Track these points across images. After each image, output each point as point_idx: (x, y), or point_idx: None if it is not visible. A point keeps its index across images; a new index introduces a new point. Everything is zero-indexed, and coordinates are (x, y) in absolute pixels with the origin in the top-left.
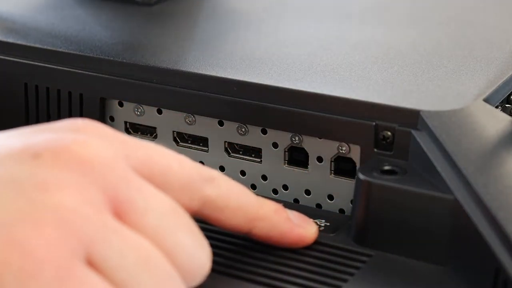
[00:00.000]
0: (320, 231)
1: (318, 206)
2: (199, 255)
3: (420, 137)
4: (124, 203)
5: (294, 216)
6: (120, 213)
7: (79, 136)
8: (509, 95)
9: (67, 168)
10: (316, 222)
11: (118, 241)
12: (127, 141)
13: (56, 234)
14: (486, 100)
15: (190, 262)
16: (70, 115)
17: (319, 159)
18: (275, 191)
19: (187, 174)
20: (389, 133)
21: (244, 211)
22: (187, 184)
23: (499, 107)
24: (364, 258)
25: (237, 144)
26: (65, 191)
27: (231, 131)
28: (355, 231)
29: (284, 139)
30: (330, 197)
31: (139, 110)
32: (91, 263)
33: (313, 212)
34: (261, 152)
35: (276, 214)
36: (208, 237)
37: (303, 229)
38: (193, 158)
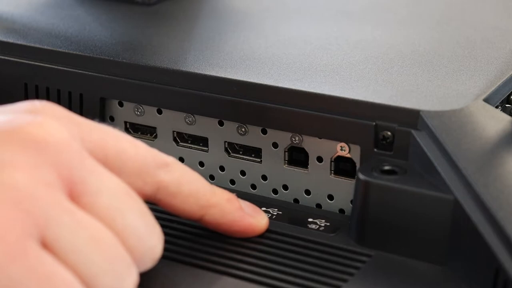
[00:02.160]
0: (320, 231)
1: (318, 206)
2: (150, 237)
3: (420, 137)
4: (78, 184)
5: (246, 206)
6: (73, 194)
7: (35, 118)
8: (509, 95)
9: (23, 148)
10: (268, 212)
11: (70, 222)
12: (83, 123)
13: (11, 214)
14: (486, 100)
15: (141, 244)
16: None
17: (319, 159)
18: (275, 191)
19: (141, 159)
20: (389, 133)
21: (196, 197)
22: (141, 169)
23: (499, 107)
24: (364, 258)
25: (237, 144)
26: (21, 171)
27: (231, 131)
28: (355, 231)
29: (284, 139)
30: (330, 197)
31: (139, 110)
32: (45, 244)
33: (313, 212)
34: (261, 152)
35: (228, 202)
36: (210, 237)
37: (254, 218)
38: (193, 158)
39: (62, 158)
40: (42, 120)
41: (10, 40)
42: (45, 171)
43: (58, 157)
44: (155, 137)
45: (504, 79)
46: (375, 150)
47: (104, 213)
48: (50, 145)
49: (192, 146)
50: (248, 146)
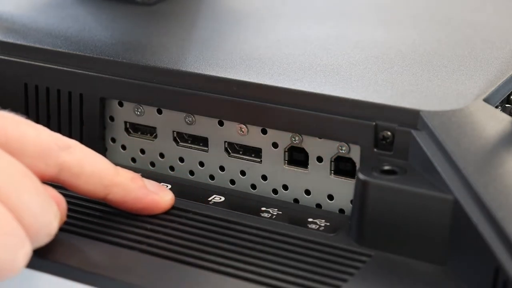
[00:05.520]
0: (320, 231)
1: (318, 206)
2: (45, 214)
3: (420, 137)
4: None
5: (150, 184)
6: None
7: None
8: (509, 95)
9: None
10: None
11: None
12: None
13: None
14: (486, 100)
15: (36, 221)
16: (70, 115)
17: (319, 159)
18: (275, 191)
19: (43, 142)
20: (389, 133)
21: (99, 177)
22: (42, 151)
23: (499, 107)
24: (364, 258)
25: (237, 144)
26: None
27: (231, 131)
28: (355, 231)
29: (284, 139)
30: (330, 197)
31: (139, 110)
32: None
33: (313, 212)
34: (261, 152)
35: (132, 181)
36: (207, 236)
37: (157, 195)
38: (193, 158)
39: None
40: None
41: (10, 40)
42: None
43: None
44: (155, 137)
45: (504, 79)
46: (375, 150)
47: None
48: None
49: (192, 146)
50: (248, 146)
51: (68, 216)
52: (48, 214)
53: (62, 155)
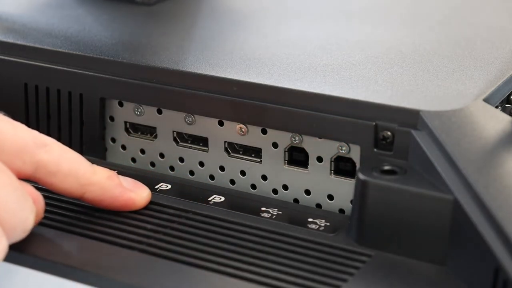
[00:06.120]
0: (320, 231)
1: (318, 206)
2: (21, 210)
3: (420, 137)
4: None
5: (127, 182)
6: None
7: None
8: (509, 95)
9: None
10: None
11: None
12: None
13: None
14: (486, 100)
15: (12, 216)
16: (70, 115)
17: (319, 159)
18: (275, 191)
19: (20, 139)
20: (389, 133)
21: (75, 176)
22: (20, 149)
23: (499, 107)
24: (364, 258)
25: (237, 144)
26: None
27: (231, 131)
28: (355, 231)
29: (284, 139)
30: (330, 197)
31: (139, 110)
32: None
33: (313, 212)
34: (261, 152)
35: (108, 179)
36: (209, 237)
37: (134, 193)
38: (193, 158)
39: None
40: None
41: (10, 40)
42: None
43: None
44: (155, 137)
45: (504, 79)
46: (375, 150)
47: None
48: None
49: (192, 146)
50: (248, 146)
51: (67, 216)
52: (24, 210)
53: (39, 152)
